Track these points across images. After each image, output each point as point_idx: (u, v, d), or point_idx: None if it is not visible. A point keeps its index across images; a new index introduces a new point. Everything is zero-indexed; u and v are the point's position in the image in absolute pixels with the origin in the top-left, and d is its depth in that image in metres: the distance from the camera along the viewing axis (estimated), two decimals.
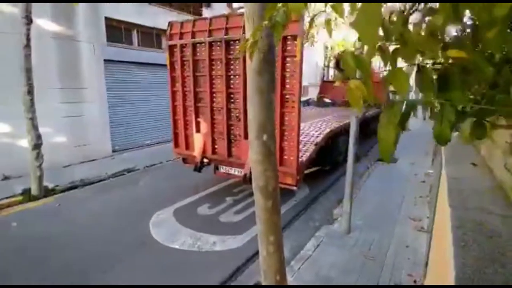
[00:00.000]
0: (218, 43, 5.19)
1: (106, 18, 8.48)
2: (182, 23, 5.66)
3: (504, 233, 1.02)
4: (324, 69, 15.81)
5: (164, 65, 10.16)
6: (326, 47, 19.75)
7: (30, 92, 5.59)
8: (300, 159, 4.98)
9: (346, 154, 4.46)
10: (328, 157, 7.03)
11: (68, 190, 6.36)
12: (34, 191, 5.88)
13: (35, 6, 5.60)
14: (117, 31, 9.05)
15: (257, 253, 2.82)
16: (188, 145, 6.08)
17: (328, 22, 1.13)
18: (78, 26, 7.83)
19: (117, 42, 9.02)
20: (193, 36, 5.47)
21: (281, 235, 2.75)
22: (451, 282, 0.83)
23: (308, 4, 1.16)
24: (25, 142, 5.96)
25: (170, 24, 5.82)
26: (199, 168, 5.83)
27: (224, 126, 5.42)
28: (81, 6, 7.77)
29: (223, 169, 5.78)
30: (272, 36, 2.15)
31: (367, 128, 10.64)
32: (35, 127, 5.74)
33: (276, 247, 2.64)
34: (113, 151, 9.02)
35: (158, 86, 10.33)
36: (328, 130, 6.70)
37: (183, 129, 6.04)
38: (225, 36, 5.06)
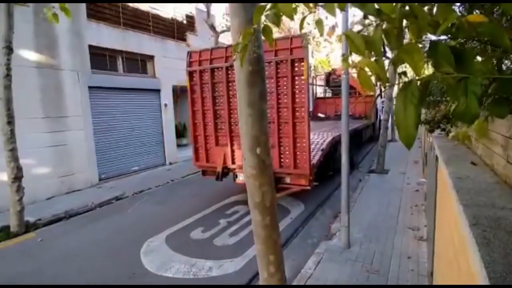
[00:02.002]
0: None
1: (90, 46, 8.47)
2: (200, 52, 6.37)
3: None
4: (311, 87, 16.29)
5: (150, 90, 10.32)
6: (309, 66, 20.27)
7: (10, 122, 5.38)
8: (311, 162, 5.54)
9: None
10: (331, 162, 7.56)
11: (52, 223, 6.01)
12: (14, 227, 5.52)
13: (17, 36, 5.52)
14: (101, 58, 9.01)
15: (256, 275, 2.67)
16: (208, 158, 6.60)
17: (319, 22, 1.11)
18: (61, 55, 7.77)
19: (102, 69, 8.96)
20: (211, 63, 6.15)
21: (282, 254, 2.62)
22: (481, 282, 0.76)
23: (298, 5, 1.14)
24: (4, 176, 5.66)
25: (189, 54, 6.49)
26: (220, 177, 6.33)
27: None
28: (64, 35, 7.76)
29: (241, 177, 6.10)
30: (261, 48, 2.14)
31: (360, 139, 10.95)
32: (15, 158, 5.48)
33: (277, 267, 2.50)
34: (100, 179, 8.71)
35: (145, 111, 10.26)
36: (330, 137, 7.29)
37: (204, 144, 6.57)
38: None
